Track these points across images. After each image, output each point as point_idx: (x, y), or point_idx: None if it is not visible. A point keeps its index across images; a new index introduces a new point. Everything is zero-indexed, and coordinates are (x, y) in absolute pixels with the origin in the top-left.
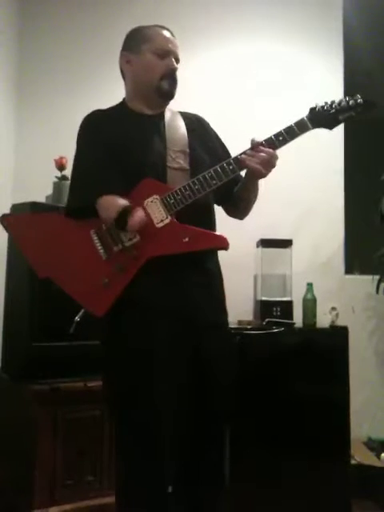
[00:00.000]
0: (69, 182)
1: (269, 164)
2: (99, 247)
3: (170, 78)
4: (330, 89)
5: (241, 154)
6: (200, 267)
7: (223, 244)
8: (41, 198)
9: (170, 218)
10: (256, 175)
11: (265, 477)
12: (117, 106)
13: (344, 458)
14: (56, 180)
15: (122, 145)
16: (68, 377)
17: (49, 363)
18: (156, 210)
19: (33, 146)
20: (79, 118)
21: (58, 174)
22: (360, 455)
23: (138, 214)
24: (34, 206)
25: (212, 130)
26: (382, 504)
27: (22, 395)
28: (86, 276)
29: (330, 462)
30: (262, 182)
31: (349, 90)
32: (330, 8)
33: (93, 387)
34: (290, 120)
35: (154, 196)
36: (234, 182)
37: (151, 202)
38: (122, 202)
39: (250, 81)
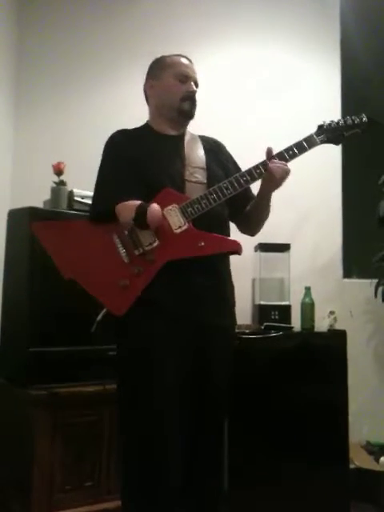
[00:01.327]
0: (65, 187)
1: (284, 175)
2: (121, 251)
3: (190, 99)
4: (328, 93)
5: (254, 167)
6: (212, 271)
7: (236, 248)
8: (39, 203)
9: (187, 224)
10: (273, 182)
11: (264, 480)
12: (141, 126)
13: (343, 462)
14: (54, 185)
15: (144, 160)
16: (66, 382)
17: (47, 368)
18: (175, 217)
19: (31, 151)
20: (77, 125)
21: (56, 179)
22: (359, 459)
23: (154, 208)
24: (31, 211)
25: (227, 151)
26: (380, 508)
27: (19, 400)
28: (108, 277)
29: (328, 466)
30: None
31: (346, 94)
32: (327, 13)
33: (91, 392)
34: (288, 122)
35: (173, 205)
36: (246, 199)
37: (170, 210)
38: (139, 202)
39: (248, 85)
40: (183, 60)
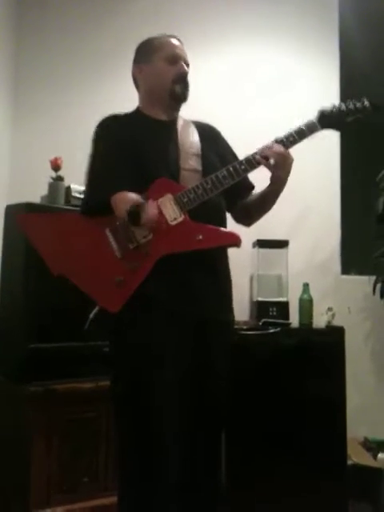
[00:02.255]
0: (62, 183)
1: (284, 161)
2: (114, 245)
3: (182, 81)
4: (326, 94)
5: (253, 154)
6: (211, 266)
7: (235, 241)
8: (36, 199)
9: (183, 216)
10: (277, 172)
11: (261, 477)
12: (131, 112)
13: (341, 459)
14: (51, 180)
15: (136, 147)
16: (63, 378)
17: (44, 365)
18: (170, 209)
19: (28, 146)
20: (75, 120)
21: (54, 174)
22: (357, 456)
23: (152, 209)
24: (28, 207)
25: (223, 137)
26: (378, 505)
27: (16, 397)
28: (100, 273)
29: (326, 463)
30: (257, 182)
31: (345, 95)
32: (326, 12)
33: (88, 389)
34: (287, 123)
35: (168, 195)
36: (245, 189)
37: (165, 200)
38: (136, 197)
39: (247, 85)
40: (173, 40)
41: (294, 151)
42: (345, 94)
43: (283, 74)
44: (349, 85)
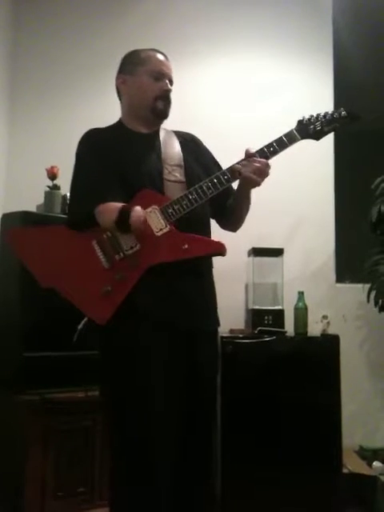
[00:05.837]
0: (58, 191)
1: (262, 173)
2: (101, 256)
3: (165, 98)
4: (320, 101)
5: (235, 164)
6: (198, 276)
7: (221, 249)
8: (32, 208)
9: (169, 226)
10: (251, 184)
11: (256, 485)
12: (114, 124)
13: (336, 467)
14: (47, 189)
15: (119, 160)
16: (59, 387)
17: (39, 374)
18: (155, 220)
19: (25, 155)
20: (71, 128)
21: (50, 183)
22: (352, 464)
23: (137, 211)
24: (24, 216)
25: (204, 147)
26: None
27: (12, 405)
28: (88, 285)
29: (321, 471)
30: (253, 192)
31: (338, 101)
32: (320, 21)
33: (84, 398)
34: (281, 131)
35: (153, 206)
36: (227, 195)
37: (150, 212)
38: (120, 206)
39: (241, 93)
40: (159, 56)
41: (290, 161)
42: (338, 102)
43: (277, 83)
44: (342, 92)
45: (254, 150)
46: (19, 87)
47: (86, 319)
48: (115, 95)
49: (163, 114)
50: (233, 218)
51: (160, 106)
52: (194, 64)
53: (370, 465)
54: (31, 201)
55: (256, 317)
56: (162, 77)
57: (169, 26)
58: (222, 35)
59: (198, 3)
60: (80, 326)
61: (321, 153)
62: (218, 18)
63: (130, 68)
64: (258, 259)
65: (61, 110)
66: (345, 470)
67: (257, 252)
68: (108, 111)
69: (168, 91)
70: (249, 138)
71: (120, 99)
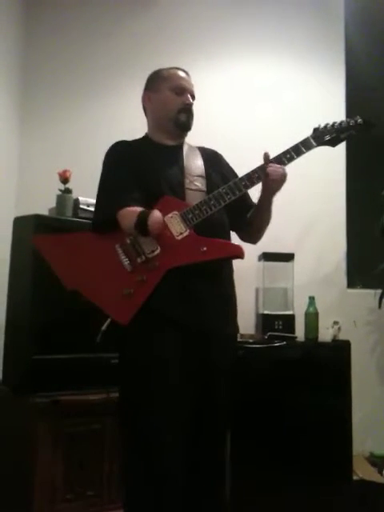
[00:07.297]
0: (70, 195)
1: (282, 177)
2: (124, 259)
3: (187, 111)
4: (332, 106)
5: (253, 171)
6: (216, 279)
7: (238, 252)
8: (44, 211)
9: (188, 230)
10: (274, 187)
11: (266, 491)
12: (140, 138)
13: (346, 474)
14: (59, 193)
15: (144, 170)
16: (68, 390)
17: (49, 376)
18: (176, 224)
19: (36, 158)
20: (83, 132)
21: (62, 186)
22: (362, 471)
23: (155, 214)
24: (37, 219)
25: (225, 160)
26: None
27: (22, 408)
28: (111, 287)
29: (331, 478)
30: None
31: (350, 106)
32: (332, 26)
33: (93, 400)
34: (293, 137)
35: (174, 212)
36: (247, 207)
37: (171, 217)
38: (140, 209)
39: (252, 97)
40: (180, 73)
41: (302, 166)
42: (350, 109)
43: (288, 85)
44: (354, 94)
45: (270, 153)
46: (31, 91)
47: (109, 320)
48: (125, 100)
49: (186, 126)
50: (252, 229)
51: (182, 119)
52: (199, 72)
53: (380, 472)
54: (43, 204)
55: (266, 322)
56: (183, 91)
57: (179, 30)
58: (230, 45)
59: (209, 10)
60: (104, 327)
61: (332, 158)
62: (225, 28)
63: (154, 85)
64: (269, 264)
65: (72, 115)
66: (355, 477)
67: (267, 257)
68: (119, 115)
69: (190, 104)
70: (258, 144)
71: (146, 115)
